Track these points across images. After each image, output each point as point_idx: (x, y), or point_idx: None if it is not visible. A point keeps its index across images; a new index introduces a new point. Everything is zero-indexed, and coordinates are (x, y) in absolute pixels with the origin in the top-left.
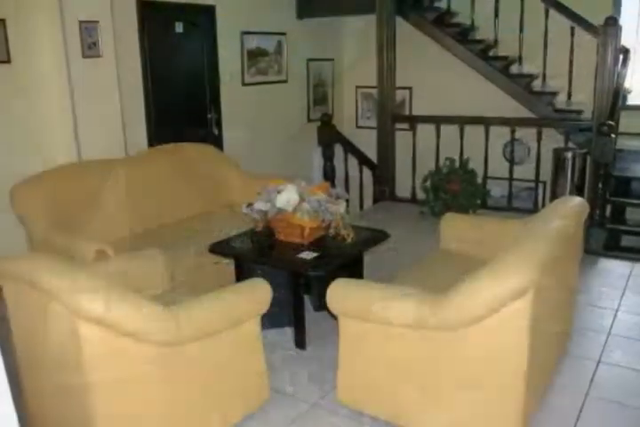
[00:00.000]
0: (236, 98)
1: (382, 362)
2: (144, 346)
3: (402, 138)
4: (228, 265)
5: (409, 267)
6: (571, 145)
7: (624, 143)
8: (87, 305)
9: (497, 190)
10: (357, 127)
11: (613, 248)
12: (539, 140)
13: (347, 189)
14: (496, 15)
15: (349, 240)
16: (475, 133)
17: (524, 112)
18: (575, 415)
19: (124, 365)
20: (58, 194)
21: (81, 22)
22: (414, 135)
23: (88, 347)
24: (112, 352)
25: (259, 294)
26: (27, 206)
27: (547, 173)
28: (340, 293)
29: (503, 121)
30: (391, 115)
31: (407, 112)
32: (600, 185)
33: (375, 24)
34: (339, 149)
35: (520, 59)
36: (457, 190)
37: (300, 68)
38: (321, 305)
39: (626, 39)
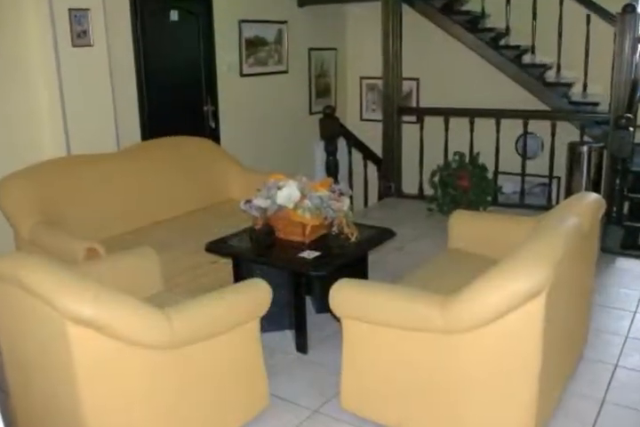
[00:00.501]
0: (233, 89)
1: (387, 367)
2: (137, 349)
3: (408, 131)
4: (225, 265)
5: (416, 267)
6: (586, 139)
7: None
8: (75, 307)
9: (509, 186)
10: (362, 120)
11: (631, 247)
12: (553, 133)
13: (350, 185)
14: (507, 2)
15: (353, 239)
16: (485, 126)
17: (537, 104)
18: (591, 422)
19: (115, 369)
20: (46, 190)
21: (70, 10)
22: (421, 128)
23: (78, 350)
24: (103, 356)
25: (258, 294)
26: (13, 203)
27: (561, 168)
28: (344, 294)
29: (515, 113)
30: (397, 107)
31: (414, 104)
32: (617, 181)
33: (380, 11)
34: (342, 143)
35: (533, 48)
36: (466, 186)
37: (301, 58)
38: (323, 307)
39: None
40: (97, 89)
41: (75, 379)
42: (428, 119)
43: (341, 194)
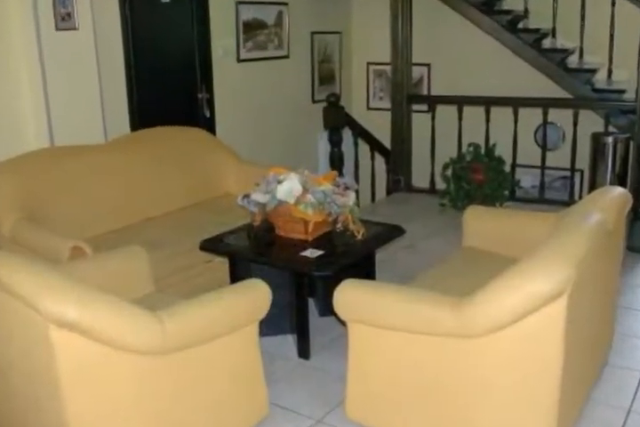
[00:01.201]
0: (230, 76)
1: (396, 373)
2: (125, 354)
3: (419, 121)
4: (221, 264)
5: (428, 266)
6: (611, 129)
7: None
8: (58, 309)
9: (527, 180)
10: (369, 109)
11: None
12: (575, 123)
13: (356, 178)
14: None
15: (359, 236)
16: (502, 116)
17: (557, 92)
18: None
19: (101, 375)
20: (28, 184)
21: None
22: (433, 118)
23: (61, 355)
24: (88, 361)
25: (257, 296)
26: None
27: (584, 160)
28: (349, 295)
29: (534, 102)
30: (407, 95)
31: (425, 92)
32: None
33: None
34: (347, 134)
35: (554, 31)
36: (482, 180)
37: (303, 42)
38: (327, 309)
39: None
40: (82, 76)
41: (58, 385)
42: (440, 108)
43: (347, 188)
